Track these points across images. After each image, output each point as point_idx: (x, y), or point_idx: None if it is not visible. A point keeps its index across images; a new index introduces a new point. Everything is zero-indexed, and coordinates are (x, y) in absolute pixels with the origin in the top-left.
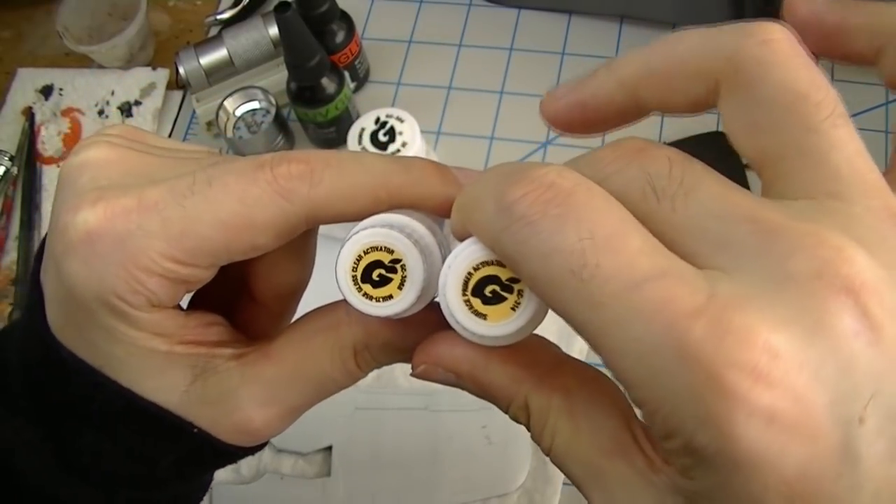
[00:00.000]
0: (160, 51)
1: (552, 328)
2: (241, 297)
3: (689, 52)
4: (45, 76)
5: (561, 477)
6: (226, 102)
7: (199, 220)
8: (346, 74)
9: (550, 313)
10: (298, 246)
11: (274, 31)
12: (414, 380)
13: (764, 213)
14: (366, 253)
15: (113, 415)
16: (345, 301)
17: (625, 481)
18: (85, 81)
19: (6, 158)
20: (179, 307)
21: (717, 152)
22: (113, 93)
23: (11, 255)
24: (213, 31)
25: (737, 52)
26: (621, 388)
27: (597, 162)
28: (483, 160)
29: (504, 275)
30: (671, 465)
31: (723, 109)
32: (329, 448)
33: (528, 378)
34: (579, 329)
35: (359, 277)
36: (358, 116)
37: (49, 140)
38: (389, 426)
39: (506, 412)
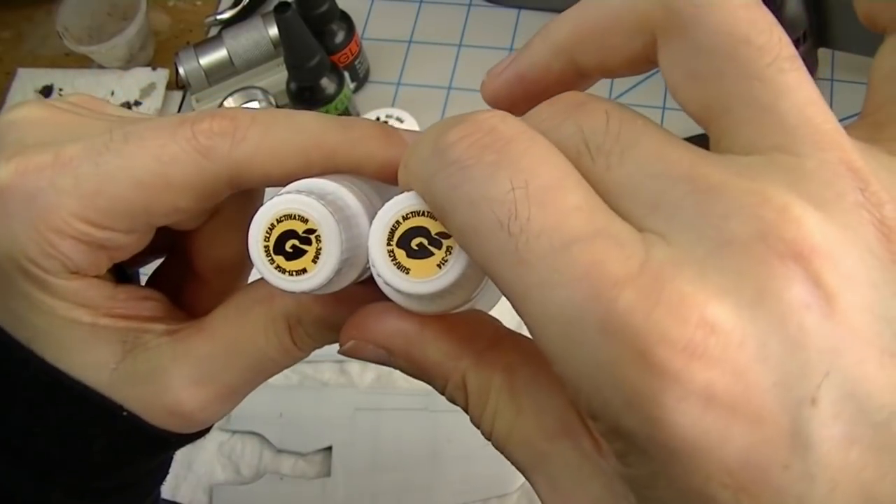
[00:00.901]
0: (160, 51)
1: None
2: (188, 274)
3: (622, 4)
4: (45, 76)
5: None
6: (226, 102)
7: (113, 178)
8: (346, 74)
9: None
10: (237, 215)
11: (274, 31)
12: (414, 380)
13: (703, 170)
14: (278, 221)
15: (41, 394)
16: None
17: (570, 465)
18: (85, 81)
19: None
20: (111, 278)
21: None
22: (113, 93)
23: None
24: (213, 32)
25: None
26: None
27: (531, 118)
28: None
29: (434, 228)
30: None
31: (661, 61)
32: (329, 448)
33: (466, 354)
34: (503, 289)
35: (271, 248)
36: (358, 116)
37: None
38: (389, 427)
39: (442, 393)
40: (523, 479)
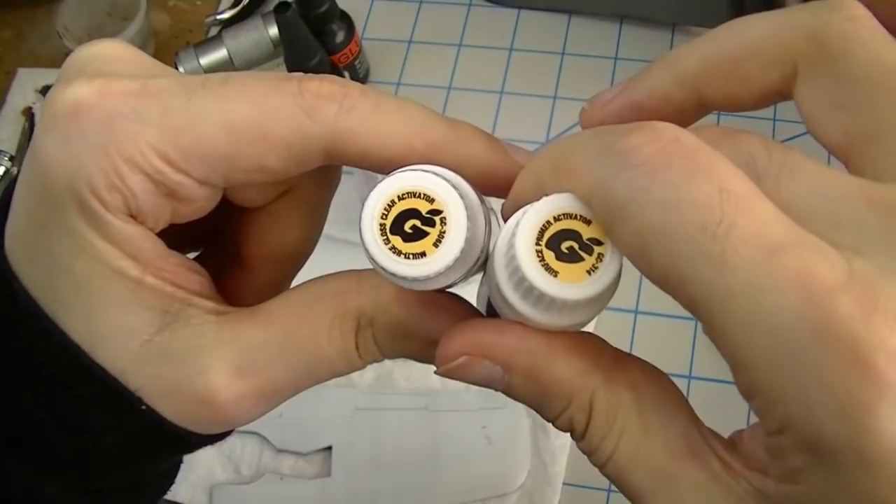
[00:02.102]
0: (160, 51)
1: None
2: (231, 265)
3: (763, 35)
4: (45, 76)
5: (561, 477)
6: None
7: (204, 116)
8: (346, 74)
9: None
10: (306, 199)
11: (274, 31)
12: (414, 380)
13: (876, 191)
14: (400, 199)
15: (56, 374)
16: (356, 271)
17: (699, 487)
18: None
19: (6, 158)
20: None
21: None
22: None
23: None
24: (213, 31)
25: (821, 29)
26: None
27: None
28: None
29: (587, 233)
30: (769, 467)
31: (801, 93)
32: (329, 448)
33: (596, 372)
34: (692, 295)
35: (388, 227)
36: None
37: None
38: (389, 426)
39: (552, 418)
40: (523, 479)
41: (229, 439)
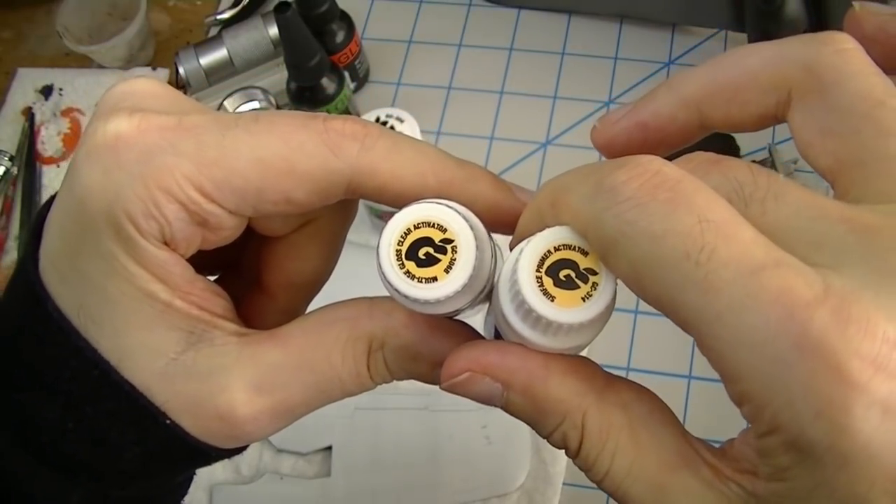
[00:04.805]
0: (160, 51)
1: None
2: (250, 290)
3: (761, 63)
4: (45, 76)
5: (561, 477)
6: (226, 102)
7: (237, 151)
8: (346, 74)
9: None
10: (325, 230)
11: (274, 31)
12: (414, 380)
13: (853, 213)
14: (416, 227)
15: (85, 387)
16: (369, 298)
17: (693, 495)
18: (85, 81)
19: (6, 158)
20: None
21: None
22: None
23: (11, 254)
24: (213, 31)
25: (813, 60)
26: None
27: None
28: (483, 160)
29: (583, 263)
30: (759, 468)
31: (794, 119)
32: (329, 448)
33: (588, 392)
34: (685, 316)
35: (403, 253)
36: (358, 116)
37: (49, 140)
38: (389, 426)
39: (546, 435)
40: (523, 478)
41: None
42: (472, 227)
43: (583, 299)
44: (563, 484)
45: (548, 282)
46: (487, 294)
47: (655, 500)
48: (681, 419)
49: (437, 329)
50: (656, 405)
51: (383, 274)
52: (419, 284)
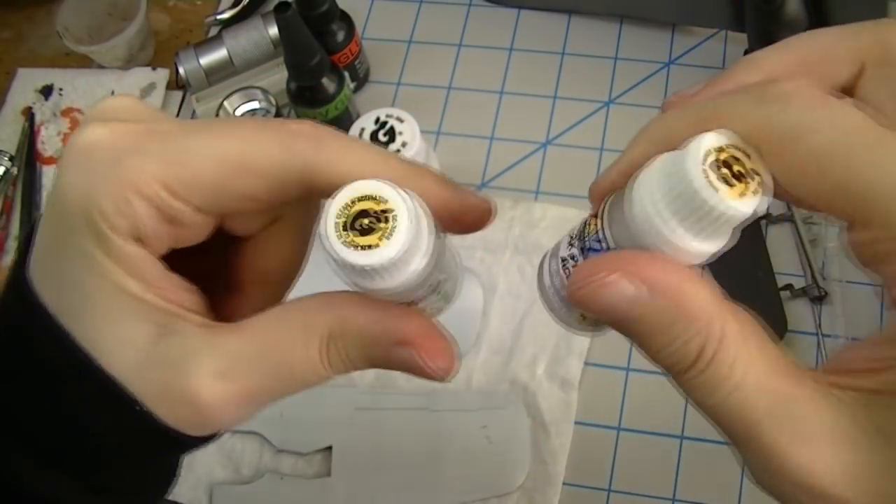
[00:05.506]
0: (160, 51)
1: (546, 332)
2: (227, 291)
3: (835, 41)
4: (45, 76)
5: (561, 477)
6: (226, 102)
7: (199, 151)
8: (346, 74)
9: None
10: (291, 228)
11: (274, 31)
12: (414, 380)
13: None
14: (359, 200)
15: (64, 377)
16: (327, 293)
17: (818, 402)
18: (85, 81)
19: (6, 158)
20: (163, 263)
21: None
22: (113, 93)
23: (11, 254)
24: (213, 31)
25: (885, 37)
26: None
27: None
28: (483, 160)
29: (749, 164)
30: (881, 362)
31: (868, 86)
32: (329, 448)
33: (725, 300)
34: (859, 191)
35: (344, 224)
36: (358, 116)
37: (49, 140)
38: (389, 426)
39: (679, 345)
40: (523, 478)
41: (229, 439)
42: (410, 198)
43: (752, 193)
44: (563, 484)
45: (713, 175)
46: (435, 287)
47: (784, 412)
48: (672, 479)
49: (392, 312)
50: (756, 321)
51: (326, 244)
52: (358, 251)
